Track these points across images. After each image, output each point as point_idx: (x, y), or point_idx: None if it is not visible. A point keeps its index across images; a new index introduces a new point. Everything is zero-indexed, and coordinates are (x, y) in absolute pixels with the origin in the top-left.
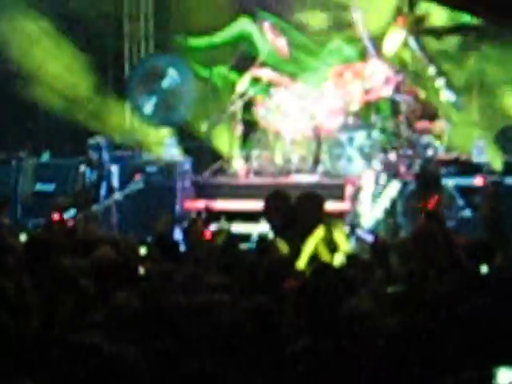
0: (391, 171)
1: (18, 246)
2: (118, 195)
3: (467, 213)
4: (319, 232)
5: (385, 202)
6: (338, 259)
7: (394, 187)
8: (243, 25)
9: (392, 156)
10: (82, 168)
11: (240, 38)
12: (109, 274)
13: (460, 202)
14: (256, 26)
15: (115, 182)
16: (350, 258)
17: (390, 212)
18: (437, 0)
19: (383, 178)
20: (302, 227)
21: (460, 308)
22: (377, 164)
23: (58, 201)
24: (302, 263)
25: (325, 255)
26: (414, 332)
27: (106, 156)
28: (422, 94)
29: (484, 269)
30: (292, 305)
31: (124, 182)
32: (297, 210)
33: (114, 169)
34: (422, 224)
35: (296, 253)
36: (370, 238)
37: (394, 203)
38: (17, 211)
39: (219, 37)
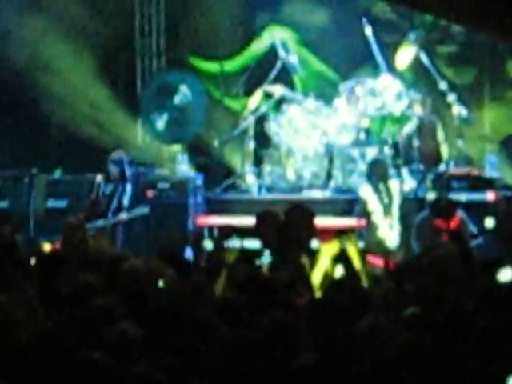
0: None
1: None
2: (123, 215)
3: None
4: (333, 247)
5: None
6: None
7: (395, 187)
8: (269, 38)
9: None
10: (99, 179)
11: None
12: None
13: (472, 228)
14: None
15: (125, 200)
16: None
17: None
18: (441, 15)
19: (381, 185)
20: (295, 241)
21: (477, 327)
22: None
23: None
24: (316, 279)
25: (338, 271)
26: (425, 350)
27: (128, 171)
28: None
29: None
30: (305, 320)
31: (136, 198)
32: (286, 224)
33: (129, 187)
34: (443, 245)
35: (294, 269)
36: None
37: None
38: (29, 228)
39: (248, 55)
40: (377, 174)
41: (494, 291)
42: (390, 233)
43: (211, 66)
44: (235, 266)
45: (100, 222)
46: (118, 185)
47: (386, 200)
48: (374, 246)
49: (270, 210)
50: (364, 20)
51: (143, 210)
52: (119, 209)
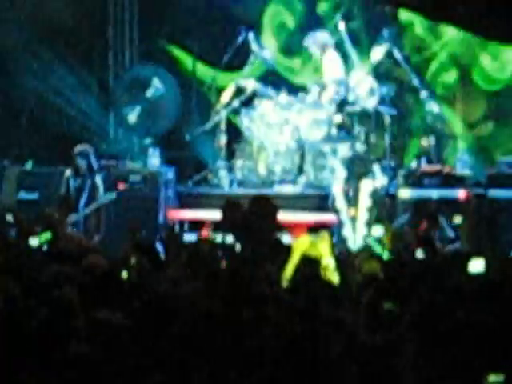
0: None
1: None
2: (90, 207)
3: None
4: (304, 243)
5: (365, 203)
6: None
7: (368, 185)
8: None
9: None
10: (67, 173)
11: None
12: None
13: (449, 232)
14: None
15: (99, 193)
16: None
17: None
18: (417, 10)
19: (352, 180)
20: (258, 233)
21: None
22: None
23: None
24: (287, 274)
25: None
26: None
27: (94, 163)
28: None
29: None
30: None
31: (107, 192)
32: (250, 216)
33: (98, 179)
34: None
35: (258, 259)
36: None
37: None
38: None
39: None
40: (356, 171)
41: (464, 285)
42: (352, 234)
43: (186, 58)
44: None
45: (74, 216)
46: (87, 178)
47: (355, 199)
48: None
49: (234, 201)
50: (337, 15)
51: (110, 196)
52: (91, 201)
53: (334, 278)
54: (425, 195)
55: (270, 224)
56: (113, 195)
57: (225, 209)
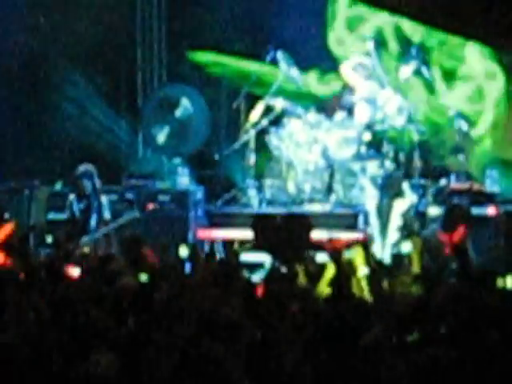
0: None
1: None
2: (112, 226)
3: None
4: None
5: (396, 222)
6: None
7: (400, 205)
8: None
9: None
10: (71, 197)
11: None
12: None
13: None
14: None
15: (106, 213)
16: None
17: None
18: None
19: (386, 199)
20: (293, 248)
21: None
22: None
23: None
24: (322, 288)
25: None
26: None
27: (98, 184)
28: None
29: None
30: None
31: (140, 211)
32: (283, 230)
33: (104, 199)
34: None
35: (293, 273)
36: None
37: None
38: (29, 240)
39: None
40: (389, 190)
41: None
42: (381, 252)
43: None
44: None
45: (86, 239)
46: (93, 199)
47: (386, 218)
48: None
49: (267, 217)
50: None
51: (133, 214)
52: (101, 222)
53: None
54: (449, 208)
55: (305, 241)
56: (136, 213)
57: (256, 225)
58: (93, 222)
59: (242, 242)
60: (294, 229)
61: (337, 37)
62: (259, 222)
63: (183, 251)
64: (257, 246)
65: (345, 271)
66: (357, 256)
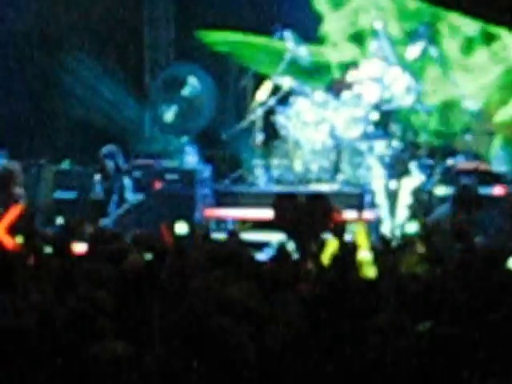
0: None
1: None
2: (126, 206)
3: None
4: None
5: (405, 200)
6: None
7: (408, 184)
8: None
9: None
10: (97, 178)
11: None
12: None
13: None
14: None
15: (128, 194)
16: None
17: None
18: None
19: (396, 182)
20: (313, 227)
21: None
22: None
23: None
24: (325, 261)
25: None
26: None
27: (122, 164)
28: None
29: None
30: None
31: (143, 189)
32: (306, 210)
33: (126, 180)
34: None
35: (306, 254)
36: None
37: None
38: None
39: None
40: (396, 169)
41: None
42: (390, 231)
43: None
44: None
45: (105, 221)
46: (115, 179)
47: (394, 197)
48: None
49: (289, 196)
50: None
51: (136, 198)
52: (122, 202)
53: (370, 271)
54: (457, 190)
55: (325, 220)
56: (140, 197)
57: (277, 205)
58: (112, 204)
59: (243, 222)
60: (316, 210)
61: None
62: (281, 201)
63: (180, 228)
64: (275, 224)
65: (346, 245)
66: (358, 234)
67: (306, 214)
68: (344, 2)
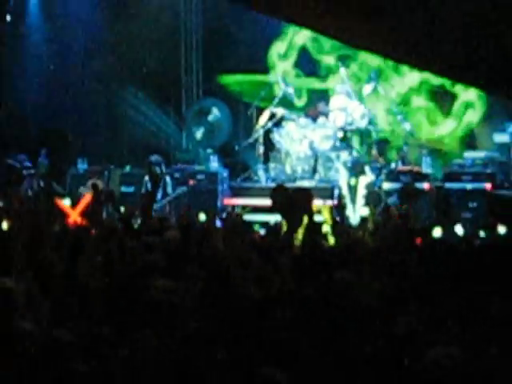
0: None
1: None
2: (168, 198)
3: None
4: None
5: (361, 192)
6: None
7: (364, 180)
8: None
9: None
10: (146, 178)
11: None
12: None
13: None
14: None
15: (169, 189)
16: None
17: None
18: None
19: (355, 179)
20: (298, 212)
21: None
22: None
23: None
24: (300, 236)
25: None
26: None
27: (164, 168)
28: None
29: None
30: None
31: (181, 185)
32: (293, 199)
33: (168, 179)
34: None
35: (294, 230)
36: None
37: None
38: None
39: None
40: (355, 170)
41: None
42: (353, 213)
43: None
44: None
45: (156, 206)
46: (160, 179)
47: (352, 190)
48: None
49: (283, 188)
50: (339, 63)
51: (183, 189)
52: (165, 195)
53: (331, 240)
54: (401, 186)
55: (307, 207)
56: (184, 188)
57: (274, 195)
58: (159, 195)
59: (243, 207)
60: (301, 199)
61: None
62: (277, 192)
63: (202, 217)
64: (273, 209)
65: (316, 223)
66: (324, 213)
67: (293, 201)
68: (288, 54)
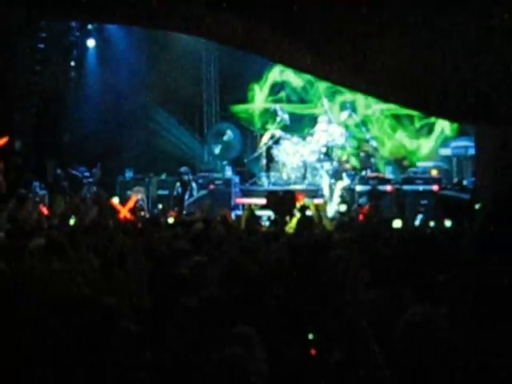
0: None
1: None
2: (193, 198)
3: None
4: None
5: (338, 193)
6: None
7: (340, 185)
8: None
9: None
10: (177, 184)
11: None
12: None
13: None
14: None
15: (195, 192)
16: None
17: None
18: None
19: (334, 183)
20: (286, 208)
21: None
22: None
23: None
24: (292, 225)
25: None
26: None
27: (190, 177)
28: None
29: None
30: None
31: (203, 189)
32: (282, 199)
33: (194, 185)
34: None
35: (283, 220)
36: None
37: (346, 196)
38: (149, 206)
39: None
40: (336, 177)
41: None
42: (330, 208)
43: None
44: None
45: (183, 205)
46: (188, 185)
47: (332, 191)
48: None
49: (273, 192)
50: (323, 95)
51: (203, 192)
52: (191, 196)
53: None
54: (370, 189)
55: (292, 204)
56: (204, 192)
57: (268, 197)
58: (186, 197)
59: (255, 205)
60: (288, 198)
61: None
62: (270, 195)
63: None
64: (267, 207)
65: (306, 216)
66: (311, 207)
67: (282, 201)
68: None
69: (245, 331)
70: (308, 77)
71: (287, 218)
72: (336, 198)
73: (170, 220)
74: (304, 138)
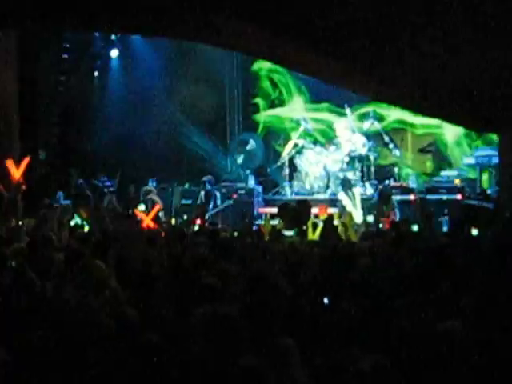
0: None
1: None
2: (218, 208)
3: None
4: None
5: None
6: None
7: (357, 192)
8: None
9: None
10: (202, 193)
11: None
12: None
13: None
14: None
15: (218, 201)
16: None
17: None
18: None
19: (349, 192)
20: (300, 219)
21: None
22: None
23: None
24: (315, 236)
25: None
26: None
27: (213, 186)
28: None
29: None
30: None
31: (227, 198)
32: (296, 210)
33: (217, 193)
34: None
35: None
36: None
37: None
38: (172, 214)
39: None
40: (345, 186)
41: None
42: (356, 216)
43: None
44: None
45: (208, 215)
46: (211, 194)
47: (352, 200)
48: (348, 221)
49: (285, 203)
50: (345, 105)
51: (229, 202)
52: (214, 206)
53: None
54: (380, 189)
55: (306, 214)
56: (230, 201)
57: (280, 207)
58: (210, 206)
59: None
60: (302, 208)
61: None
62: (282, 206)
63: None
64: (277, 216)
65: (332, 226)
66: (347, 218)
67: (294, 211)
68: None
69: (284, 342)
70: None
71: (303, 227)
72: (359, 207)
73: (195, 228)
74: (325, 147)
